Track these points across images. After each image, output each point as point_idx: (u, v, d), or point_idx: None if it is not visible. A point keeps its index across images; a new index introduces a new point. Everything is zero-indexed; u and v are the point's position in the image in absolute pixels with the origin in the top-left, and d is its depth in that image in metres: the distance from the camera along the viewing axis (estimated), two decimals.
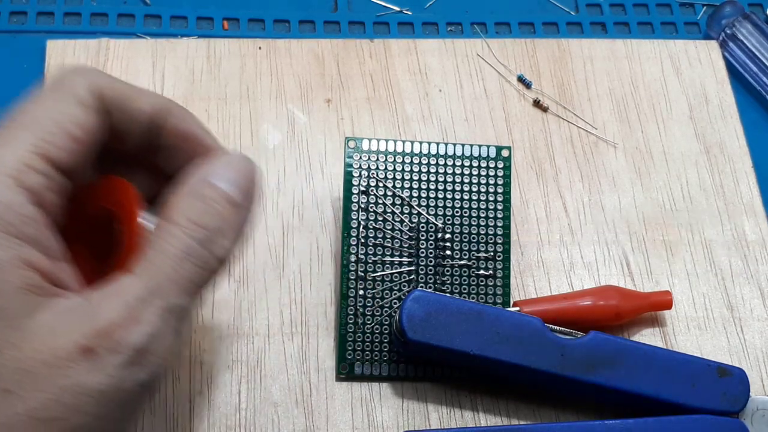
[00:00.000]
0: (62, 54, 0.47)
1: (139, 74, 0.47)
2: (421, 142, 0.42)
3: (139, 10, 0.50)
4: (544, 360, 0.37)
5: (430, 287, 0.41)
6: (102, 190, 0.31)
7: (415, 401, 0.40)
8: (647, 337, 0.42)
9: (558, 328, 0.38)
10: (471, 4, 0.52)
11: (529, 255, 0.44)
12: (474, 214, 0.42)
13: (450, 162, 0.42)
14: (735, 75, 0.50)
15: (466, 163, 0.42)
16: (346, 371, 0.40)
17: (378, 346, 0.40)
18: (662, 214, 0.45)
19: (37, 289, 0.27)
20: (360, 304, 0.40)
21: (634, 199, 0.45)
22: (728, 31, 0.50)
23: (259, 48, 0.48)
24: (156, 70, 0.47)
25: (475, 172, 0.42)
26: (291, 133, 0.46)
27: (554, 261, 0.44)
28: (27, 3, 0.50)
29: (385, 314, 0.40)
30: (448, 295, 0.38)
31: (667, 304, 0.41)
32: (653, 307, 0.42)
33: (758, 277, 0.44)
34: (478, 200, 0.42)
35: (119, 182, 0.32)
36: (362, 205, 0.41)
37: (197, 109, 0.46)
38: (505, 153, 0.42)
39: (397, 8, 0.51)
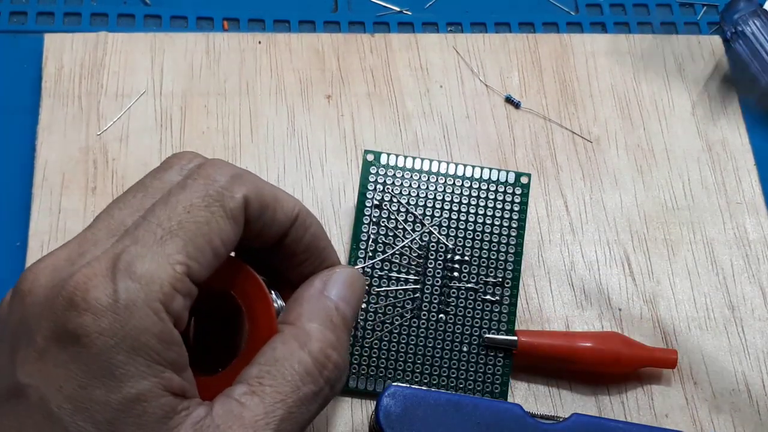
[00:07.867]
0: (60, 48, 0.47)
1: (137, 69, 0.46)
2: (439, 162, 0.42)
3: (139, 10, 0.50)
4: None
5: (434, 307, 0.40)
6: (221, 272, 0.30)
7: None
8: (648, 338, 0.41)
9: (539, 413, 0.37)
10: (471, 4, 0.52)
11: (530, 254, 0.43)
12: (486, 238, 0.41)
13: (467, 184, 0.42)
14: (743, 70, 0.50)
15: (483, 186, 0.42)
16: None
17: (375, 361, 0.39)
18: (664, 213, 0.45)
19: (171, 412, 0.27)
20: (361, 317, 0.40)
21: (636, 198, 0.45)
22: (740, 27, 0.50)
23: (259, 43, 0.48)
24: (155, 65, 0.47)
25: (491, 196, 0.41)
26: (291, 130, 0.46)
27: (555, 260, 0.43)
28: (27, 3, 0.50)
29: (386, 330, 0.40)
30: (424, 388, 0.36)
31: (671, 363, 0.40)
32: (656, 362, 0.40)
33: (760, 276, 0.43)
34: (492, 225, 0.41)
35: (242, 267, 0.31)
36: (374, 219, 0.41)
37: (196, 105, 0.46)
38: (524, 180, 0.42)
39: (397, 8, 0.51)
